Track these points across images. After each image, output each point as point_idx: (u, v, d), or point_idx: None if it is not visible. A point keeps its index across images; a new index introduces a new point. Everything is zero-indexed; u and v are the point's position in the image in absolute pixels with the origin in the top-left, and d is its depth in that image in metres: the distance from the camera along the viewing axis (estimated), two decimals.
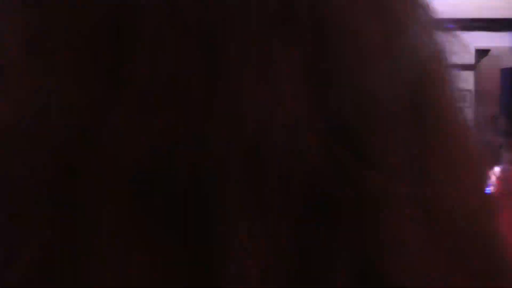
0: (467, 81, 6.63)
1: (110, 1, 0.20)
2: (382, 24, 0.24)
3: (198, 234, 0.19)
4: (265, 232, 0.19)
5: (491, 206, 0.28)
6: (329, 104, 0.22)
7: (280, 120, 0.20)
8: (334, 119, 0.22)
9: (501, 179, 3.62)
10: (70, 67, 0.21)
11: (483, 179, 0.27)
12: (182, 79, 0.20)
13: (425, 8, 0.27)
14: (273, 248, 0.19)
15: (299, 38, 0.21)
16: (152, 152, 0.19)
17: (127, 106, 0.19)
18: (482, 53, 6.74)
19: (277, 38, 0.21)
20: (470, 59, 6.67)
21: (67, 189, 0.20)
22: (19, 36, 0.21)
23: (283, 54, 0.21)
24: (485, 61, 6.79)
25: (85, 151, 0.19)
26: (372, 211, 0.22)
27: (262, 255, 0.19)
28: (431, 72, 0.27)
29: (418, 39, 0.25)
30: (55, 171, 0.20)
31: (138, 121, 0.19)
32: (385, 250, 0.22)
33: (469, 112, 6.51)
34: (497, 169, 5.08)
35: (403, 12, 0.25)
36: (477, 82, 6.69)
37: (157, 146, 0.19)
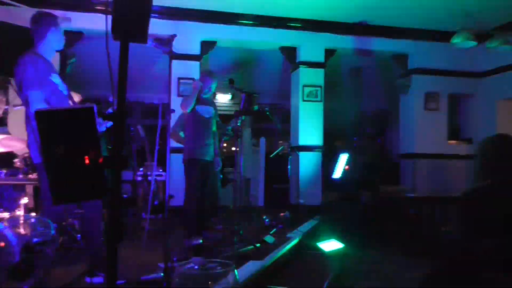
0: (319, 77, 7.44)
1: None
2: None
3: None
4: None
5: None
6: None
7: None
8: None
9: None
10: None
11: None
12: None
13: None
14: None
15: None
16: None
17: None
18: (330, 53, 7.55)
19: None
20: (320, 57, 7.47)
21: None
22: None
23: None
24: (333, 60, 7.61)
25: None
26: None
27: None
28: None
29: None
30: None
31: None
32: None
33: (320, 105, 7.29)
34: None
35: None
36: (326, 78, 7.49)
37: None
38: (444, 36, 6.93)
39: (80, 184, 1.83)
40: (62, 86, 3.09)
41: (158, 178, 6.35)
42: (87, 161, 1.80)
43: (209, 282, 0.66)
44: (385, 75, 8.46)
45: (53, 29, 3.10)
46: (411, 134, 7.89)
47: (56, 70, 3.15)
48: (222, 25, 6.97)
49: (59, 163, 1.79)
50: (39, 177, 3.02)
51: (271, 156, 7.44)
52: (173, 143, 4.66)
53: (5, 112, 5.04)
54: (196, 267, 3.27)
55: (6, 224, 2.40)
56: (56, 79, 3.05)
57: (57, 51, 3.22)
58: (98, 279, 2.90)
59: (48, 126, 1.81)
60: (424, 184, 7.56)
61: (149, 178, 5.52)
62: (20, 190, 4.13)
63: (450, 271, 2.00)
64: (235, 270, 2.42)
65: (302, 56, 7.40)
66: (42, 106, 2.87)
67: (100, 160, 1.81)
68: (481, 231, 1.95)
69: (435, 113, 7.83)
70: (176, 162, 5.12)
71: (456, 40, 6.06)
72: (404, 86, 7.95)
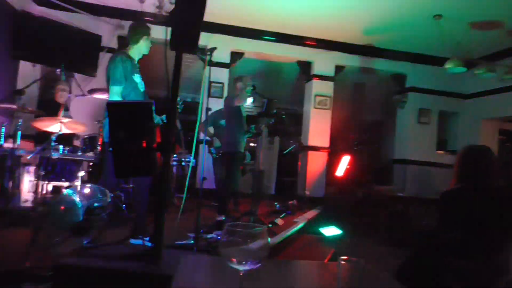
0: (329, 89, 7.51)
1: None
2: None
3: None
4: None
5: None
6: None
7: None
8: None
9: None
10: None
11: None
12: None
13: None
14: None
15: None
16: None
17: None
18: (339, 69, 7.60)
19: None
20: (331, 72, 7.53)
21: None
22: None
23: None
24: (341, 75, 7.65)
25: None
26: None
27: None
28: None
29: None
30: None
31: None
32: None
33: (328, 113, 7.30)
34: None
35: None
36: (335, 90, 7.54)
37: None
38: (437, 61, 6.92)
39: (137, 162, 1.97)
40: (140, 85, 3.23)
41: (190, 164, 6.48)
42: (144, 145, 1.94)
43: (248, 240, 0.76)
44: (383, 91, 8.47)
45: (146, 38, 3.27)
46: (404, 142, 7.90)
47: (138, 71, 3.27)
48: (248, 39, 7.09)
49: (122, 144, 1.93)
50: (105, 154, 3.15)
51: (284, 153, 7.53)
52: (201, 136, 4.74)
53: (68, 100, 5.24)
54: (219, 237, 3.42)
55: (73, 190, 2.55)
56: (137, 78, 3.19)
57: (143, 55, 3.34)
58: (139, 241, 3.05)
59: (115, 114, 1.96)
60: (412, 186, 7.58)
61: (183, 163, 5.67)
62: (78, 165, 4.30)
63: (420, 255, 2.09)
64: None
65: (316, 69, 7.47)
66: (117, 98, 3.02)
67: (154, 145, 1.94)
68: (452, 225, 2.03)
69: (426, 126, 7.83)
70: (203, 151, 5.24)
71: (448, 65, 6.06)
72: (401, 101, 7.96)
